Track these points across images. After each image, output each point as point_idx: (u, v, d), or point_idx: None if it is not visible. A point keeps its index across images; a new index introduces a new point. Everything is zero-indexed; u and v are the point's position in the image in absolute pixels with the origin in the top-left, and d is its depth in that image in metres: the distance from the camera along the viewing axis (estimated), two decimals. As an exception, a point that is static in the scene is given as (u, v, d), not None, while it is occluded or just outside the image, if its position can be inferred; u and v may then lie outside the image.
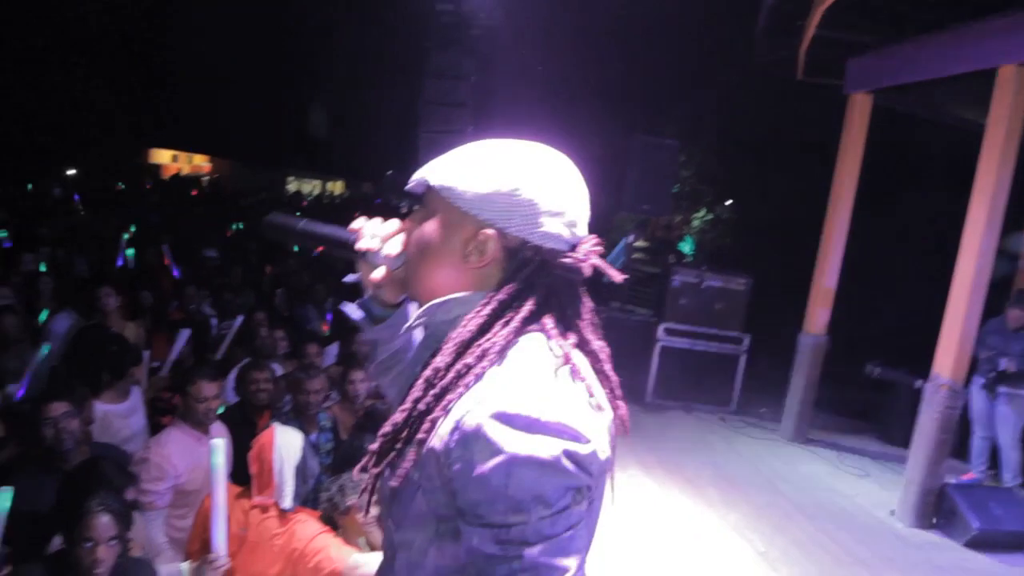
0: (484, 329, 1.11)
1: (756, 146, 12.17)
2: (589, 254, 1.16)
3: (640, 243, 9.44)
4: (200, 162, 32.51)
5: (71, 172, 18.90)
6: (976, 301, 5.30)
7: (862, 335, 7.91)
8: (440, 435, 1.07)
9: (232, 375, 4.42)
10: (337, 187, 36.22)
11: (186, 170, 29.72)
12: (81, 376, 3.75)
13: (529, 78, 12.43)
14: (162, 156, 31.14)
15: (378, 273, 1.28)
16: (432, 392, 1.10)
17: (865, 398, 8.05)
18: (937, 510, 5.40)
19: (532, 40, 12.73)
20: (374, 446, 1.17)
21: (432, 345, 1.21)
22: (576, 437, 1.03)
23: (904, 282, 8.82)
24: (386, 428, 1.15)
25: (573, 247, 1.16)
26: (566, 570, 1.01)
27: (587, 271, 1.16)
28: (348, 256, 1.33)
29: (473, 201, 1.14)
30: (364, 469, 1.18)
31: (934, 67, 5.95)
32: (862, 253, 7.68)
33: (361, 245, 1.29)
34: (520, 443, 1.00)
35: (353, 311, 1.39)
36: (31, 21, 16.05)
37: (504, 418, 1.01)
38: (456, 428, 1.05)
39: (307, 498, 2.98)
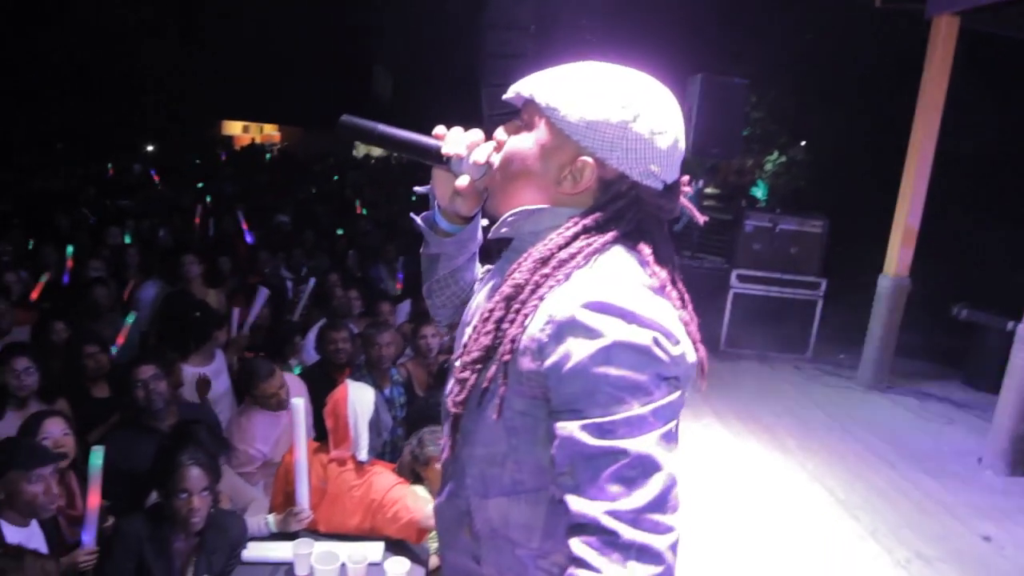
0: (565, 245, 1.11)
1: (831, 82, 11.59)
2: (681, 194, 1.16)
3: (710, 189, 9.20)
4: (270, 131, 33.25)
5: (149, 148, 19.62)
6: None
7: (947, 276, 7.55)
8: (529, 334, 1.07)
9: (311, 335, 4.58)
10: (403, 149, 36.46)
11: (257, 140, 30.48)
12: (168, 340, 3.95)
13: (589, 20, 12.11)
14: (234, 128, 32.02)
15: (462, 181, 1.25)
16: (514, 307, 1.10)
17: (950, 343, 7.72)
18: (1028, 456, 5.19)
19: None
20: (457, 370, 1.17)
21: (512, 258, 1.20)
22: (668, 334, 1.03)
23: (993, 218, 8.34)
24: (471, 350, 1.14)
25: (667, 185, 1.15)
26: (665, 467, 0.99)
27: (677, 212, 1.16)
28: (427, 162, 1.30)
29: (577, 126, 1.11)
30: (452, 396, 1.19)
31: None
32: (947, 189, 7.28)
33: (447, 150, 1.26)
34: (617, 329, 1.00)
35: (419, 222, 1.38)
36: (103, 5, 16.57)
37: (600, 307, 1.01)
38: (549, 322, 1.04)
39: (382, 451, 3.09)
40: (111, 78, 16.94)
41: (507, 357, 1.09)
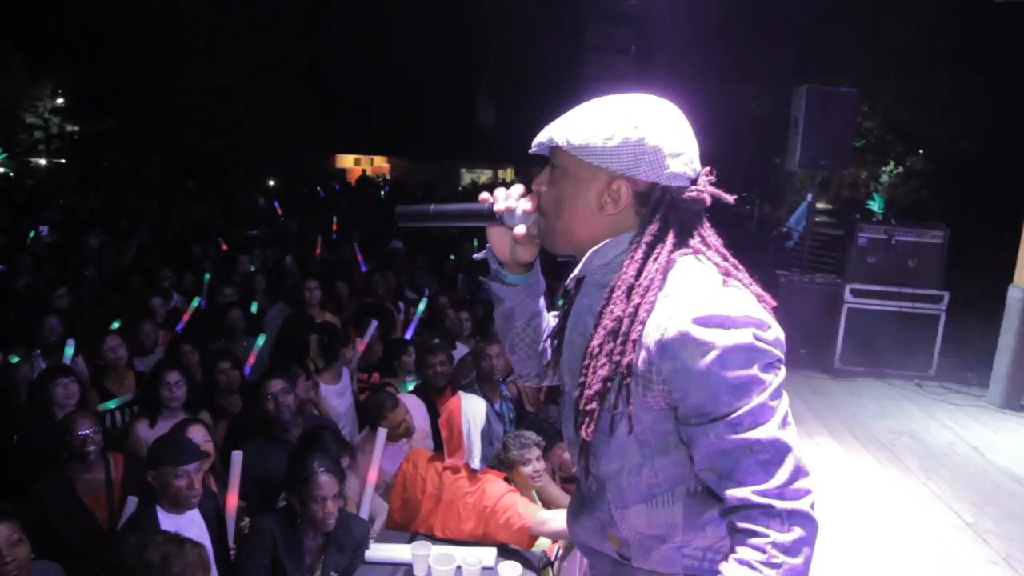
0: (641, 269, 1.26)
1: (949, 86, 11.04)
2: (707, 184, 1.30)
3: (823, 204, 8.93)
4: (380, 163, 34.73)
5: (271, 182, 20.92)
6: None
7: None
8: (641, 359, 1.22)
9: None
10: (507, 174, 37.20)
11: (368, 171, 31.87)
12: (288, 358, 4.27)
13: (689, 42, 12.06)
14: (346, 161, 33.66)
15: (520, 229, 1.40)
16: (620, 338, 1.24)
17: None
18: None
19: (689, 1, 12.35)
20: (583, 403, 1.30)
21: (594, 293, 1.35)
22: (760, 324, 1.18)
23: None
24: (591, 384, 1.27)
25: (693, 181, 1.30)
26: (792, 444, 1.15)
27: (708, 200, 1.30)
28: (484, 224, 1.44)
29: (603, 155, 1.27)
30: (577, 428, 1.33)
31: None
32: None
33: (499, 207, 1.42)
34: (723, 336, 1.15)
35: (488, 282, 1.54)
36: (223, 49, 17.97)
37: (701, 321, 1.16)
38: (657, 344, 1.20)
39: (493, 461, 3.23)
40: (230, 118, 18.29)
41: (628, 381, 1.24)
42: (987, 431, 5.99)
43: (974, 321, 7.37)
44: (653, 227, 1.28)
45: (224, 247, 8.26)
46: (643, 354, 1.21)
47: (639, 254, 1.27)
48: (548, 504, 3.14)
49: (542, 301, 1.58)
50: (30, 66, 19.92)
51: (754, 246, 10.44)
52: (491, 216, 1.42)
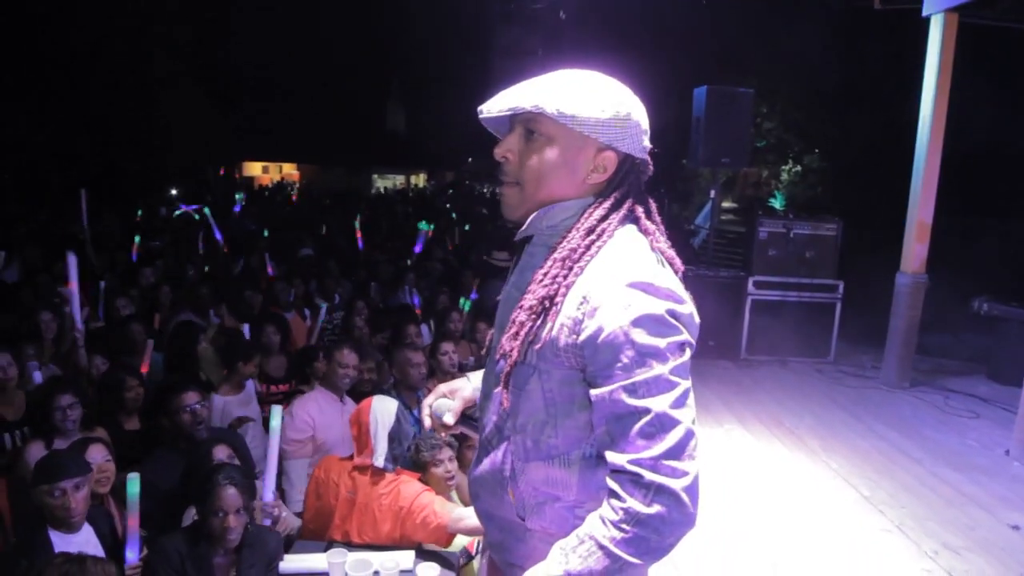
0: (588, 235, 1.32)
1: (838, 88, 11.67)
2: (650, 156, 1.41)
3: (728, 203, 9.26)
4: (289, 170, 33.91)
5: (173, 192, 20.13)
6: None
7: (965, 272, 7.55)
8: (565, 313, 1.28)
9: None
10: (419, 179, 37.00)
11: (276, 178, 31.06)
12: (178, 369, 4.12)
13: (595, 44, 12.32)
14: (254, 168, 32.68)
15: (449, 418, 1.62)
16: (551, 294, 1.31)
17: (972, 338, 7.69)
18: (1057, 444, 5.16)
19: (595, 4, 12.63)
20: (503, 346, 1.37)
21: (539, 252, 1.41)
22: (679, 300, 1.26)
23: (1005, 210, 8.32)
24: (519, 335, 1.34)
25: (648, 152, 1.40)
26: (682, 422, 1.20)
27: (651, 168, 1.42)
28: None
29: (596, 126, 1.32)
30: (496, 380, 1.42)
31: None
32: (958, 184, 7.31)
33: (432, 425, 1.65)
34: (642, 301, 1.22)
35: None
36: (119, 62, 17.21)
37: (627, 284, 1.23)
38: (584, 301, 1.26)
39: (406, 461, 3.20)
40: (134, 127, 17.53)
41: (548, 335, 1.30)
42: (881, 409, 6.34)
43: (867, 308, 7.79)
44: (620, 192, 1.36)
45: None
46: (567, 312, 1.28)
47: (590, 221, 1.33)
48: (468, 503, 3.14)
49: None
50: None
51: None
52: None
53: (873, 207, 9.62)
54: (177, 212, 12.61)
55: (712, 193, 8.67)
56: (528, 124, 1.36)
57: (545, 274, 1.32)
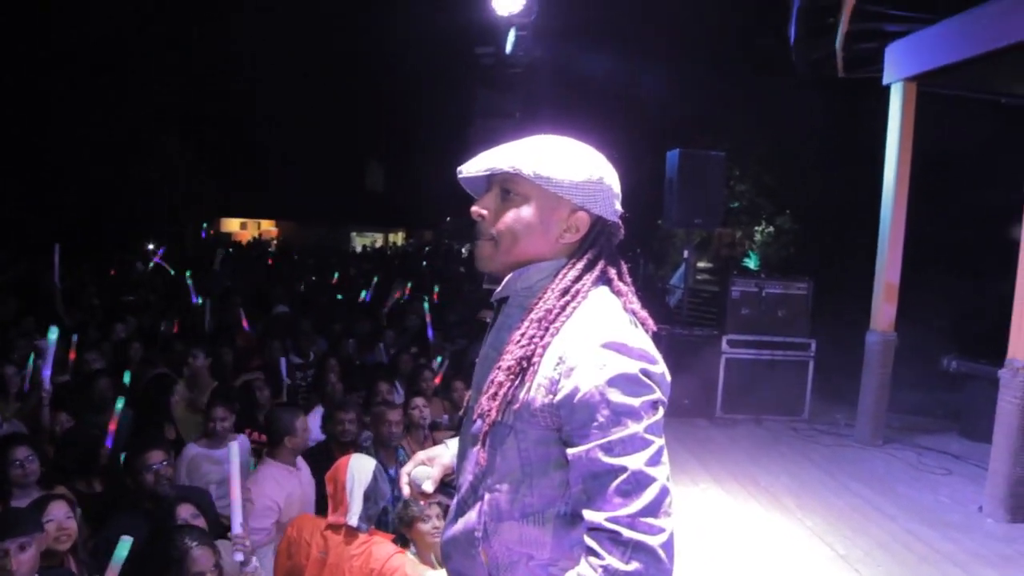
0: (563, 295, 1.36)
1: (808, 152, 12.04)
2: (622, 220, 1.47)
3: (703, 263, 9.40)
4: (268, 226, 33.93)
5: (150, 247, 20.01)
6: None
7: (932, 331, 7.70)
8: (542, 374, 1.31)
9: (314, 417, 4.65)
10: (398, 237, 37.18)
11: (255, 235, 31.06)
12: (152, 423, 4.05)
13: (570, 107, 12.66)
14: (232, 224, 32.69)
15: (427, 487, 1.62)
16: (527, 355, 1.33)
17: (943, 395, 7.79)
18: (1028, 502, 5.20)
19: (571, 69, 13.02)
20: (482, 405, 1.39)
21: (515, 313, 1.44)
22: (652, 361, 1.30)
23: (970, 270, 8.53)
24: (497, 395, 1.36)
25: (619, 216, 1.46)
26: (658, 479, 1.23)
27: (622, 232, 1.47)
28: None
29: (569, 188, 1.38)
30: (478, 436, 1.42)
31: (981, 41, 5.68)
32: (925, 244, 7.51)
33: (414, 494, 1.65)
34: (616, 361, 1.26)
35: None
36: (100, 110, 17.23)
37: (601, 344, 1.27)
38: (560, 361, 1.29)
39: (381, 521, 3.16)
40: (111, 180, 17.47)
41: (525, 397, 1.32)
42: (855, 467, 6.36)
43: (840, 366, 7.88)
44: (592, 252, 1.41)
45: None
46: (544, 372, 1.31)
47: (565, 282, 1.37)
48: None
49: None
50: None
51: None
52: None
53: (844, 267, 9.82)
54: (151, 264, 12.51)
55: (686, 253, 8.82)
56: (505, 184, 1.41)
57: (522, 335, 1.35)
